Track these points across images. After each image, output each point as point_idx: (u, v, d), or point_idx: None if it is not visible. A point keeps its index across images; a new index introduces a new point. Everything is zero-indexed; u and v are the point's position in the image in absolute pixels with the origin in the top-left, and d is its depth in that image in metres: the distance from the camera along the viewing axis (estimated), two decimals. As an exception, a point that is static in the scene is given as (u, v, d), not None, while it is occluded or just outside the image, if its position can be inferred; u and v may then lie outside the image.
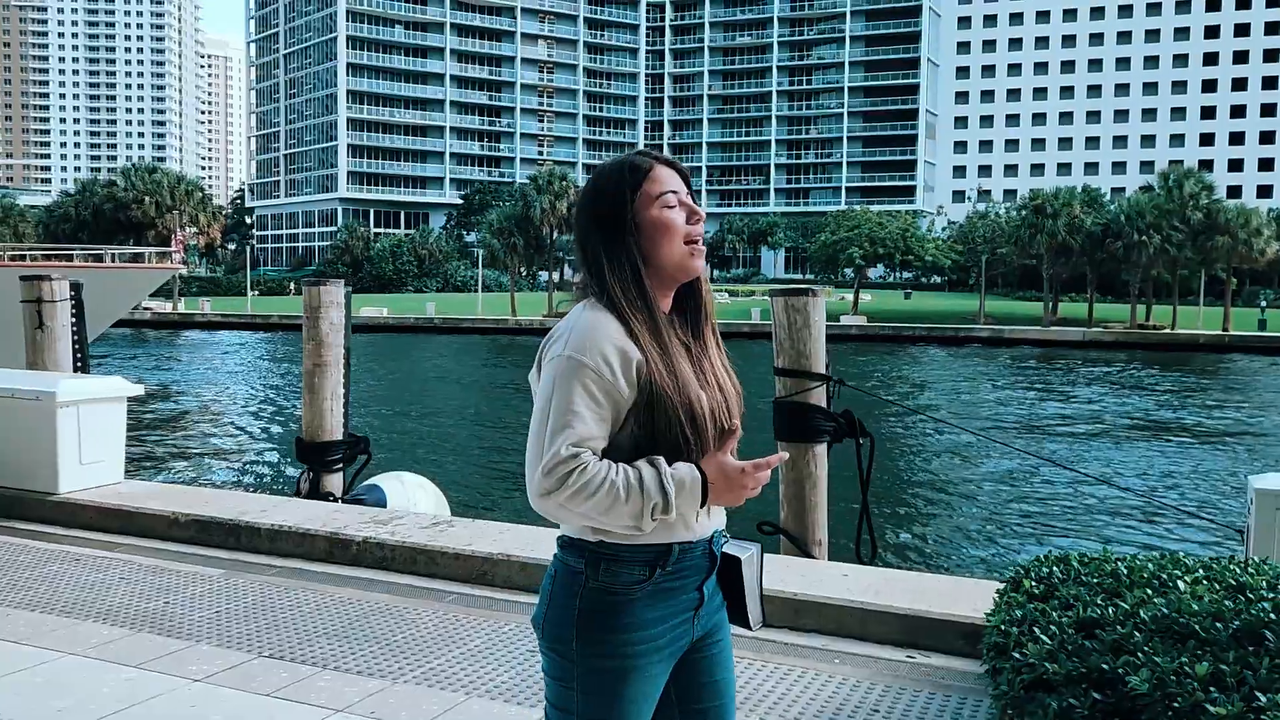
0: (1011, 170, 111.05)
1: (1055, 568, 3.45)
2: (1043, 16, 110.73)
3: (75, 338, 9.04)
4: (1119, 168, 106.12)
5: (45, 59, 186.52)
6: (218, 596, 4.70)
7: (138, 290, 11.80)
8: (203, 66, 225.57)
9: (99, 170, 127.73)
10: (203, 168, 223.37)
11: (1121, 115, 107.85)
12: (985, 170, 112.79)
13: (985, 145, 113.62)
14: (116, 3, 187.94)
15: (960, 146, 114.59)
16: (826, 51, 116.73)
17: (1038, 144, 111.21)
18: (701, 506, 1.72)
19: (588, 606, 1.73)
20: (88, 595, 4.68)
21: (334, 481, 8.04)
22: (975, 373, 35.85)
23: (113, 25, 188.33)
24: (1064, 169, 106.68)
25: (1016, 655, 2.84)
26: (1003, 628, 3.02)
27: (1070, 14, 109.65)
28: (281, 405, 23.25)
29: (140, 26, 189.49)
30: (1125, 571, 3.33)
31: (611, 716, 1.73)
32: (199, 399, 24.33)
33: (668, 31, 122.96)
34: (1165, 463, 16.83)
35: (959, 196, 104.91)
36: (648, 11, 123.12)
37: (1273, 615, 2.78)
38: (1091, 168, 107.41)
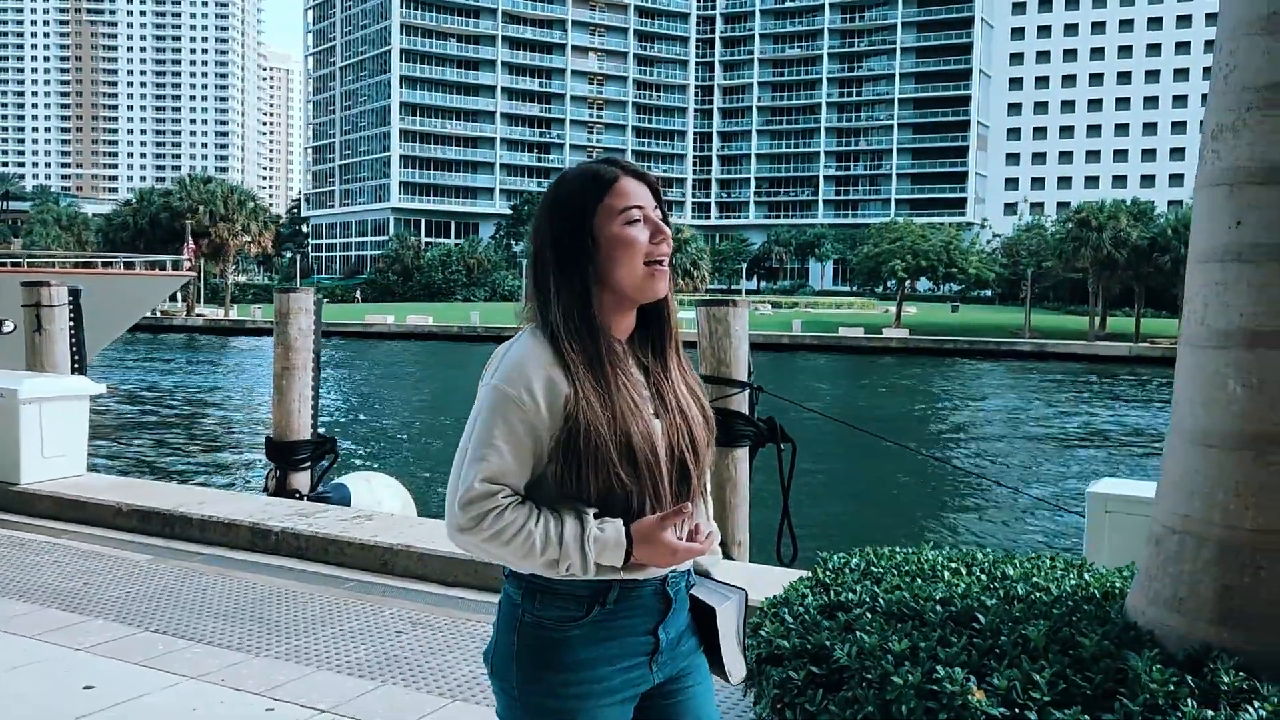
0: (1065, 182, 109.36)
1: (854, 559, 3.68)
2: (1098, 28, 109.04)
3: (73, 341, 9.61)
4: (1176, 180, 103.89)
5: (114, 71, 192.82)
6: (136, 579, 5.10)
7: (151, 296, 12.42)
8: (264, 79, 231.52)
9: (163, 180, 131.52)
10: (263, 178, 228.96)
11: (1179, 127, 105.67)
12: (1038, 183, 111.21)
13: (1038, 157, 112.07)
14: (183, 17, 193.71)
15: (1012, 158, 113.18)
16: (877, 63, 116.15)
17: (1092, 156, 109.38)
18: (622, 568, 1.62)
19: (525, 642, 1.65)
20: (19, 575, 5.10)
21: (302, 480, 8.46)
22: (998, 386, 35.51)
23: (179, 39, 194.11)
24: (1119, 181, 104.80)
25: (761, 634, 3.10)
26: (764, 609, 3.27)
27: (1126, 24, 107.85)
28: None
29: (205, 40, 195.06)
30: (916, 563, 3.56)
31: None
32: (207, 401, 25.36)
33: (718, 44, 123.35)
34: (1107, 471, 16.98)
35: (1010, 209, 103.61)
36: (698, 24, 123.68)
37: (988, 600, 3.01)
38: (1148, 180, 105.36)
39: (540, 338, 1.63)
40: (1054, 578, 3.37)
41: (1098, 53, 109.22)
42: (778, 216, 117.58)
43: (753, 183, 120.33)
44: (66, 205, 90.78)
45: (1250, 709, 2.40)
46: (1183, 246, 51.37)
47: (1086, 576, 3.43)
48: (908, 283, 66.14)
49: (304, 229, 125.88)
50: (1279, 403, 2.66)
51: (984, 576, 3.39)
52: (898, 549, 3.85)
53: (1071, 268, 57.14)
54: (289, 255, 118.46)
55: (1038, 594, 3.15)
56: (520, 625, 1.65)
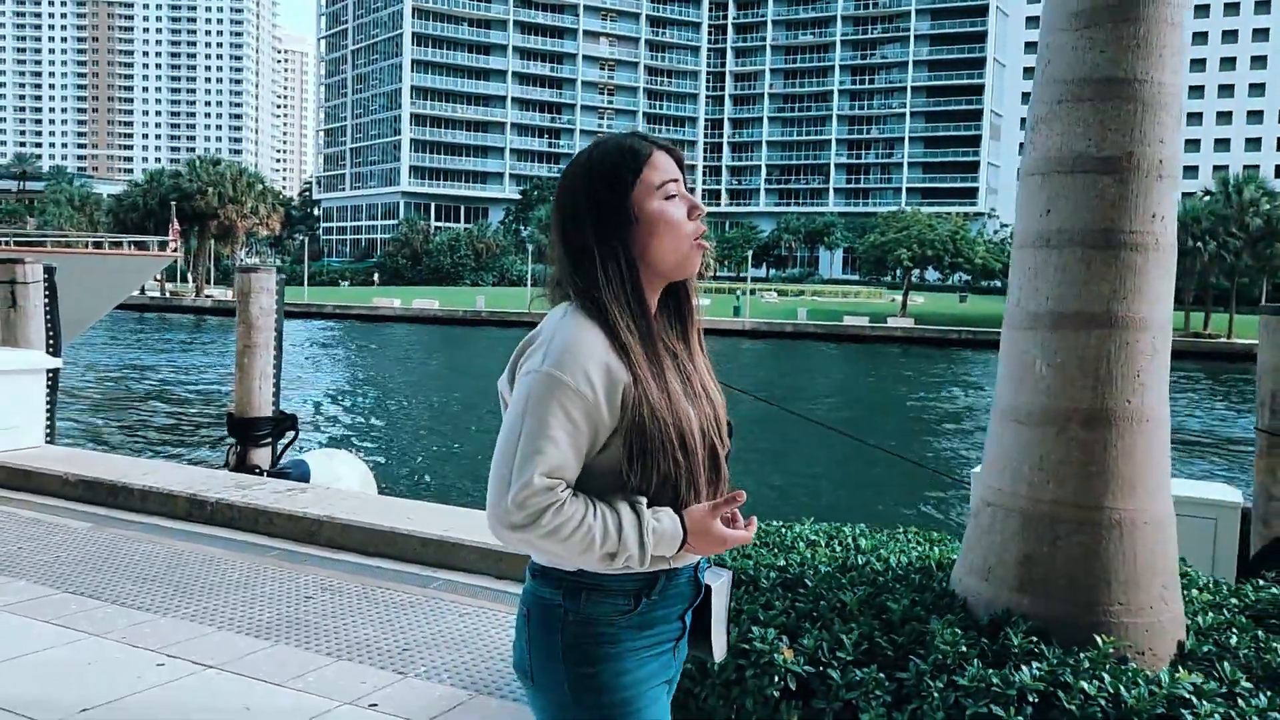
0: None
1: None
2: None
3: (48, 318, 9.81)
4: (1190, 172, 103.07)
5: (130, 53, 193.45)
6: (71, 545, 5.30)
7: (134, 276, 12.65)
8: (279, 62, 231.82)
9: (178, 161, 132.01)
10: (278, 160, 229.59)
11: (1194, 119, 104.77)
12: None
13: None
14: (198, 0, 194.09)
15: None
16: (890, 51, 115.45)
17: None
18: (672, 557, 1.60)
19: (573, 642, 1.58)
20: (-41, 539, 5.31)
21: (263, 455, 8.67)
22: (984, 376, 35.52)
23: (194, 21, 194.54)
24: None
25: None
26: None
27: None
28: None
29: (220, 23, 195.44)
30: (783, 536, 3.72)
31: None
32: (195, 379, 25.73)
33: (730, 29, 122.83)
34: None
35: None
36: (710, 10, 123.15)
37: (823, 569, 3.17)
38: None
39: (585, 317, 1.55)
40: (901, 549, 3.53)
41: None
42: (788, 204, 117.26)
43: (763, 170, 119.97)
44: (80, 185, 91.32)
45: (1028, 668, 2.56)
46: (1190, 239, 51.17)
47: (936, 550, 3.58)
48: (915, 272, 66.00)
49: (315, 212, 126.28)
50: (1079, 381, 2.80)
51: (839, 549, 3.54)
52: (774, 522, 4.01)
53: (1078, 259, 56.82)
54: (300, 238, 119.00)
55: (875, 564, 3.30)
56: (564, 625, 1.58)
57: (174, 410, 20.83)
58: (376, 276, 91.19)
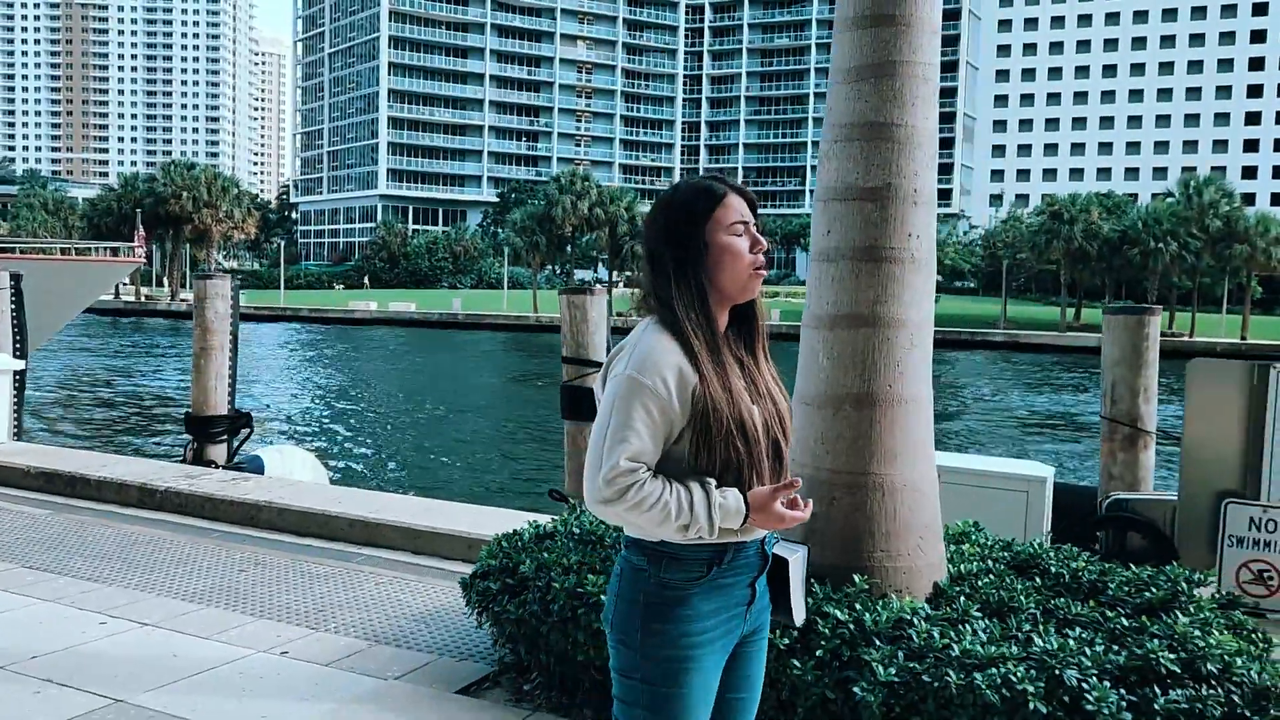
0: (1050, 175, 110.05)
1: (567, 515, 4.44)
2: (1084, 20, 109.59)
3: (15, 322, 10.29)
4: (1159, 173, 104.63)
5: (105, 55, 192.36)
6: (30, 528, 5.84)
7: (100, 281, 13.09)
8: (256, 64, 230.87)
9: (154, 164, 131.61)
10: (255, 163, 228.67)
11: (1163, 120, 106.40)
12: (1023, 175, 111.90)
13: (1024, 149, 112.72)
14: (174, 1, 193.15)
15: (998, 150, 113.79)
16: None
17: (1077, 148, 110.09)
18: (738, 530, 1.85)
19: (651, 601, 1.86)
20: (-73, 524, 5.85)
21: (219, 452, 9.20)
22: (954, 374, 36.32)
23: (170, 23, 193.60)
24: (1103, 174, 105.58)
25: (480, 555, 3.88)
26: (494, 538, 4.02)
27: (1113, 18, 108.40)
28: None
29: (196, 25, 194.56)
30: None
31: (672, 703, 1.87)
32: (161, 381, 26.22)
33: (706, 33, 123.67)
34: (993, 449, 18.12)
35: (996, 200, 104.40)
36: (687, 13, 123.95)
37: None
38: (1131, 173, 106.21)
39: (662, 331, 1.84)
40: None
41: (1084, 45, 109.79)
42: (765, 206, 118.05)
43: (740, 172, 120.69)
44: (54, 190, 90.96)
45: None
46: (1152, 240, 52.31)
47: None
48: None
49: (293, 215, 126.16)
50: (851, 370, 3.43)
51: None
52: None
53: (1045, 260, 57.94)
54: (278, 242, 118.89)
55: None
56: (646, 587, 1.87)
57: (141, 410, 21.30)
58: (368, 280, 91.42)
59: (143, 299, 65.34)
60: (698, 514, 1.79)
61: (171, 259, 66.05)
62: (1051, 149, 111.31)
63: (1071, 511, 5.05)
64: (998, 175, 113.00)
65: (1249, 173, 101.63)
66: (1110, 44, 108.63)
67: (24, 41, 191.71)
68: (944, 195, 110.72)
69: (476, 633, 4.10)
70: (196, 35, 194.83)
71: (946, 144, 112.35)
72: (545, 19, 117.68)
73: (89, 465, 6.88)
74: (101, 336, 43.02)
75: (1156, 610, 3.40)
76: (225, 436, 9.17)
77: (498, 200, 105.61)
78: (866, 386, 3.40)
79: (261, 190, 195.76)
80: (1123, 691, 2.86)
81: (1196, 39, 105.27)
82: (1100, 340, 6.35)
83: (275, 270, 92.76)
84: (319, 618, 4.44)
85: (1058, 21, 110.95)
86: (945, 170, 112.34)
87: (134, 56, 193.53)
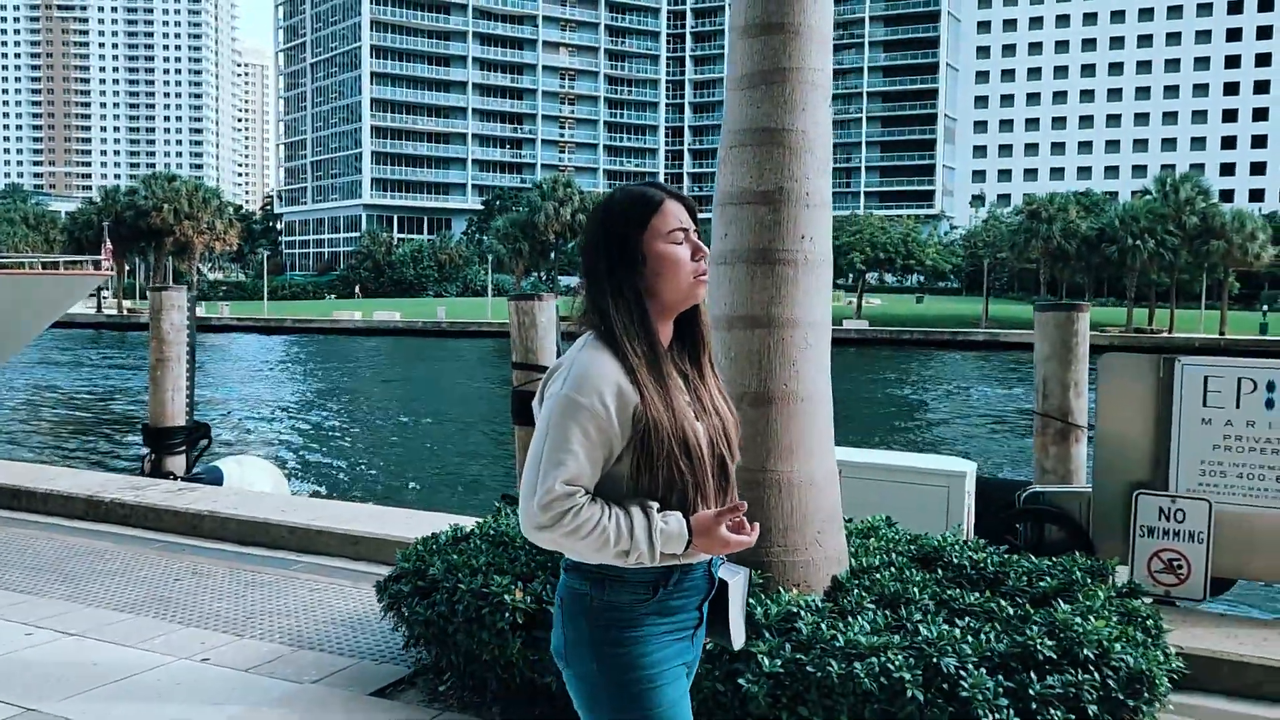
0: (1031, 174, 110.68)
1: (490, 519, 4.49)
2: (1062, 20, 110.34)
3: (-25, 337, 10.32)
4: (1139, 171, 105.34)
5: (86, 68, 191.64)
6: (-28, 541, 5.86)
7: (65, 296, 13.08)
8: (239, 75, 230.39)
9: (138, 177, 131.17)
10: (239, 174, 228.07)
11: (1141, 119, 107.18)
12: (1005, 175, 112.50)
13: (1005, 149, 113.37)
14: (155, 12, 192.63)
15: (980, 151, 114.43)
16: (845, 57, 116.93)
17: (1057, 148, 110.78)
18: (681, 555, 1.77)
19: (599, 625, 1.79)
20: None
21: (178, 463, 9.21)
22: (919, 374, 36.51)
23: (151, 35, 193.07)
24: (1084, 173, 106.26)
25: (396, 557, 3.94)
26: (416, 542, 4.08)
27: (1090, 18, 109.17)
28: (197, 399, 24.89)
29: (178, 36, 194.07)
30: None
31: None
32: (129, 394, 26.24)
33: (688, 38, 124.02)
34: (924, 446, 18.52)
35: (978, 201, 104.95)
36: (668, 19, 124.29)
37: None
38: (1111, 171, 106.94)
39: (600, 347, 1.77)
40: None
41: (1062, 46, 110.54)
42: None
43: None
44: (35, 204, 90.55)
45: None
46: (1129, 237, 52.67)
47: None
48: (869, 274, 67.18)
49: (278, 226, 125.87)
50: (748, 370, 3.50)
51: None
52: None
53: (1025, 258, 58.27)
54: (263, 252, 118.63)
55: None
56: (591, 611, 1.80)
57: (107, 422, 21.30)
58: (359, 290, 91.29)
59: (125, 313, 65.10)
60: (638, 539, 1.73)
61: (154, 272, 65.82)
62: (1032, 149, 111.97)
63: (998, 505, 5.14)
64: (979, 176, 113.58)
65: (1227, 169, 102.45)
66: (1088, 44, 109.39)
67: (4, 55, 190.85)
68: (926, 197, 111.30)
69: (397, 635, 4.15)
70: (179, 47, 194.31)
71: (928, 145, 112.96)
72: (527, 26, 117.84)
73: (35, 478, 6.90)
74: (78, 350, 42.84)
75: (1051, 599, 3.48)
76: (183, 447, 9.19)
77: (482, 208, 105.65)
78: (763, 385, 3.47)
79: (246, 201, 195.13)
80: (1001, 678, 2.93)
81: (1173, 38, 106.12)
82: (1034, 337, 6.44)
83: (260, 281, 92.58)
84: (247, 624, 4.49)
85: (1036, 22, 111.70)
86: (927, 172, 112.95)
87: (116, 69, 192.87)
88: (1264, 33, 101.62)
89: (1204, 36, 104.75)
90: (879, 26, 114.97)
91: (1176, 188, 53.05)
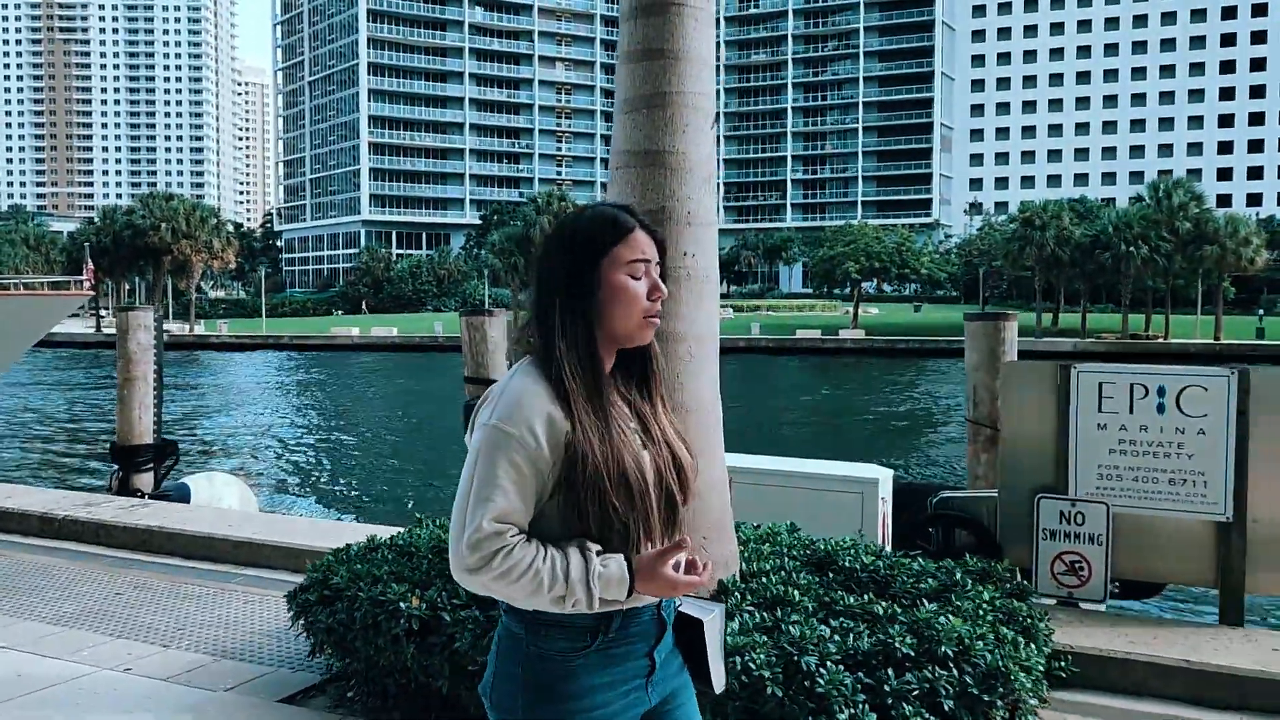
0: (1028, 182, 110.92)
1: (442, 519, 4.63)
2: (1057, 29, 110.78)
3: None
4: (1136, 177, 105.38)
5: (88, 89, 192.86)
6: (-75, 559, 6.00)
7: (47, 316, 13.24)
8: (239, 94, 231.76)
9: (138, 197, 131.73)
10: (241, 192, 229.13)
11: (1138, 125, 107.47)
12: (1002, 182, 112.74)
13: (1001, 157, 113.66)
14: (155, 34, 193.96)
15: (976, 159, 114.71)
16: (841, 68, 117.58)
17: (1054, 155, 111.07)
18: (625, 599, 1.65)
19: (531, 674, 1.67)
20: None
21: (145, 480, 9.35)
22: (904, 382, 36.61)
23: (152, 55, 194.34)
24: (1081, 179, 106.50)
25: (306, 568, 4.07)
26: (331, 553, 4.21)
27: (1085, 25, 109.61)
28: (171, 417, 24.99)
29: (179, 56, 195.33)
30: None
31: None
32: (107, 413, 26.56)
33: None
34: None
35: (975, 209, 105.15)
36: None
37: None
38: (1109, 177, 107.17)
39: (535, 373, 1.67)
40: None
41: (1057, 53, 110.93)
42: (747, 221, 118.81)
43: (721, 188, 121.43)
44: (36, 224, 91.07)
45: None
46: (1123, 244, 52.78)
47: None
48: (866, 284, 67.37)
49: (277, 243, 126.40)
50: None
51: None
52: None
53: (1019, 266, 58.41)
54: (263, 270, 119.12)
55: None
56: (525, 658, 1.67)
57: (84, 441, 21.50)
58: (365, 305, 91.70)
59: (124, 331, 65.34)
60: (574, 584, 1.60)
61: (153, 291, 66.16)
62: (1029, 156, 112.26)
63: (915, 510, 5.26)
64: (976, 184, 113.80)
65: (1224, 174, 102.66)
66: (1083, 51, 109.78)
67: (6, 77, 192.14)
68: (923, 205, 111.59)
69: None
70: (179, 66, 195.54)
71: (924, 154, 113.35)
72: (524, 42, 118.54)
73: (-6, 497, 7.04)
74: (68, 371, 43.05)
75: (930, 601, 3.60)
76: (151, 465, 9.32)
77: (480, 223, 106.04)
78: (649, 397, 3.60)
79: (248, 219, 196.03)
80: (861, 675, 3.05)
81: (1168, 44, 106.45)
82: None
83: (259, 299, 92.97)
84: (177, 636, 4.61)
85: (1030, 30, 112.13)
86: (924, 180, 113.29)
87: (117, 89, 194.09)
88: (1258, 37, 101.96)
89: (1198, 42, 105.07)
90: (874, 37, 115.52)
91: (1169, 193, 53.18)
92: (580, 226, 1.74)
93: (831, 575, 3.83)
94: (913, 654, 3.11)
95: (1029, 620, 3.65)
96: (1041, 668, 3.48)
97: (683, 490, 1.75)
